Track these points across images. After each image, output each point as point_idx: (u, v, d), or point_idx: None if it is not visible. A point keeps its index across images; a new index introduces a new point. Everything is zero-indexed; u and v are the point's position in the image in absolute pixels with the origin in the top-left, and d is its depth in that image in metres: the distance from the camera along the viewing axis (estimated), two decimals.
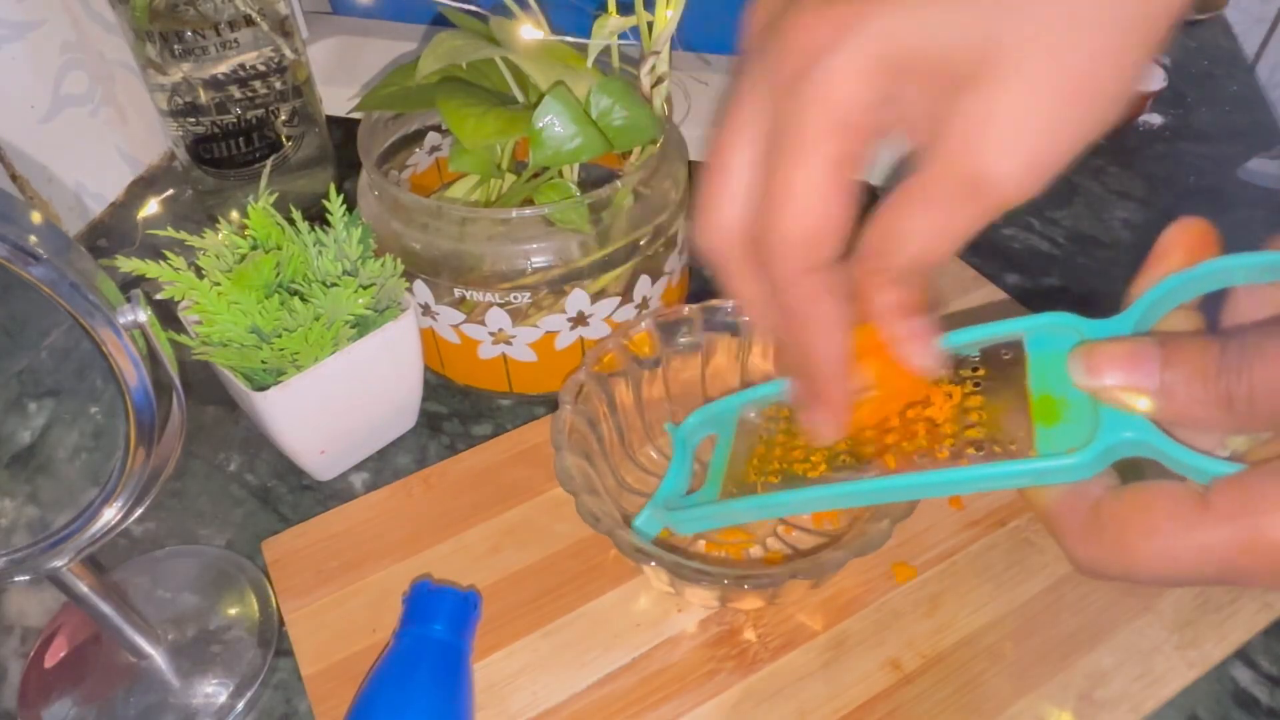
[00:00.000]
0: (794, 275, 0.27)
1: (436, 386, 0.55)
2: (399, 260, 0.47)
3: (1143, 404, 0.26)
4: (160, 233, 0.46)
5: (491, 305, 0.49)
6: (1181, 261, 0.28)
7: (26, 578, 0.36)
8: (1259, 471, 0.24)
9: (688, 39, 0.47)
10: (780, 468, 0.38)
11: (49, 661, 0.43)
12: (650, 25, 0.47)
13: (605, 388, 0.46)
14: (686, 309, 0.47)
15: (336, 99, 0.69)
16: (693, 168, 0.56)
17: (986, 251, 0.63)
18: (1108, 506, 0.27)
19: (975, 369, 0.33)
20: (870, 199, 0.27)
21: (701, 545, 0.45)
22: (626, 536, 0.39)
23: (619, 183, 0.47)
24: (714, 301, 0.47)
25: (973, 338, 0.33)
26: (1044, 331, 0.31)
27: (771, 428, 0.40)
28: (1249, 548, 0.24)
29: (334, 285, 0.45)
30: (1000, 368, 0.32)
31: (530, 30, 0.47)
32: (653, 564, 0.39)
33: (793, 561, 0.44)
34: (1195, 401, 0.25)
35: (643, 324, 0.46)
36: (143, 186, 0.70)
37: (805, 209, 0.26)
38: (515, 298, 0.48)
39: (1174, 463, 0.26)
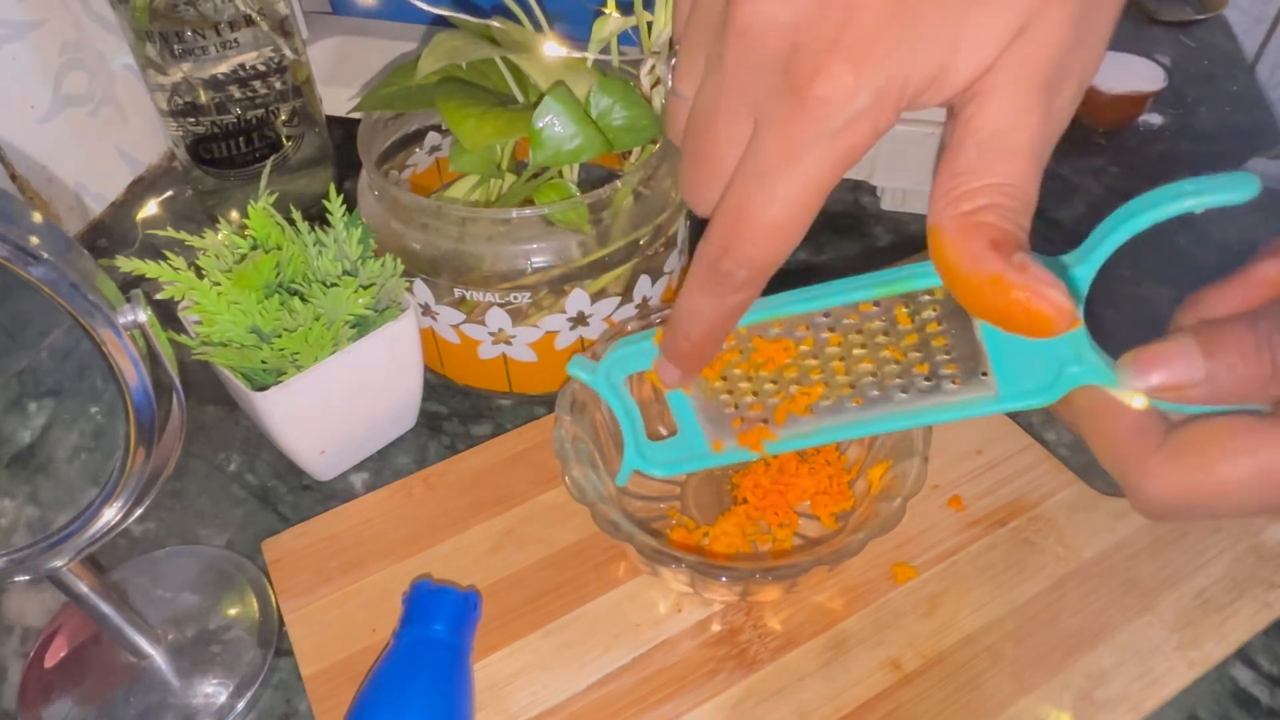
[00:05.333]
0: (755, 265, 0.29)
1: (436, 386, 0.55)
2: (399, 260, 0.47)
3: (1193, 395, 0.27)
4: (160, 233, 0.46)
5: (491, 305, 0.49)
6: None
7: (26, 578, 0.36)
8: None
9: None
10: (759, 409, 0.38)
11: (49, 661, 0.44)
12: (650, 25, 0.47)
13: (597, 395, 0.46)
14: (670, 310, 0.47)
15: (336, 99, 0.69)
16: None
17: None
18: (1182, 436, 0.27)
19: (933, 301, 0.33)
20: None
21: (706, 541, 0.45)
22: (645, 542, 0.40)
23: (619, 183, 0.47)
24: None
25: (901, 288, 0.32)
26: None
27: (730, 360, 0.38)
28: None
29: (334, 285, 0.45)
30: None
31: (553, 48, 0.46)
32: (673, 566, 0.39)
33: (804, 550, 0.44)
34: (1241, 381, 0.26)
35: (629, 326, 0.46)
36: (143, 186, 0.70)
37: (788, 221, 0.27)
38: (515, 298, 0.48)
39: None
